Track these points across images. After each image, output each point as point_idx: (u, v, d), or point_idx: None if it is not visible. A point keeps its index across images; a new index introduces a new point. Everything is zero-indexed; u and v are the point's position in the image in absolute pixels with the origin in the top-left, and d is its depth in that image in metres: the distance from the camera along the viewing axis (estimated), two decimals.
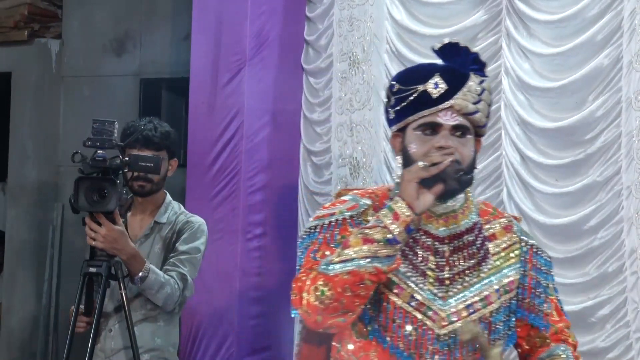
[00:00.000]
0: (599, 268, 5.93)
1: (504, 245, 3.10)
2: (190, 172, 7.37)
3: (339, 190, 3.26)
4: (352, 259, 2.84)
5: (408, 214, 2.86)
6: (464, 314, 3.00)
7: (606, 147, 5.92)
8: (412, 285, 2.99)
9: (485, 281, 3.04)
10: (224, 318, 7.20)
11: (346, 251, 2.86)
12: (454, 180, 2.91)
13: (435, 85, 2.97)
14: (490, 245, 3.08)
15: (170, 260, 5.01)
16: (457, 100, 2.96)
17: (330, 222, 3.01)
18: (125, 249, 4.69)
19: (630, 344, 5.83)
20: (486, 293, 3.04)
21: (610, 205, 5.90)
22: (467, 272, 3.03)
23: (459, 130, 2.98)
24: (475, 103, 2.99)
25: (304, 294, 2.89)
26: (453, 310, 3.00)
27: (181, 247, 5.05)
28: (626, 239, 5.82)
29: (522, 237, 3.14)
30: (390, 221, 2.86)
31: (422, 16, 6.59)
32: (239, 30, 7.31)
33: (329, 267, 2.86)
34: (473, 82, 2.99)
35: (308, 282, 2.89)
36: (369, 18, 6.76)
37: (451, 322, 2.99)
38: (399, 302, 2.98)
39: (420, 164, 2.88)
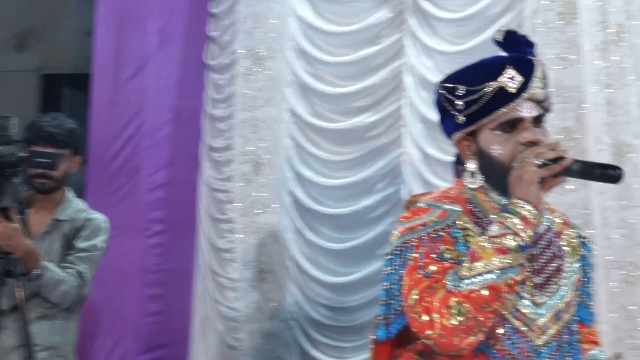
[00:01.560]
0: None
1: (569, 240, 2.91)
2: (91, 169, 7.10)
3: (410, 198, 2.97)
4: (488, 272, 2.56)
5: (536, 216, 2.63)
6: (552, 322, 2.79)
7: None
8: (513, 294, 2.71)
9: (566, 282, 2.84)
10: (121, 315, 6.96)
11: (478, 264, 2.57)
12: (566, 174, 2.68)
13: (512, 79, 2.76)
14: (563, 242, 2.89)
15: (69, 257, 4.89)
16: (533, 90, 2.76)
17: (428, 233, 2.70)
18: (20, 246, 4.56)
19: None
20: (569, 297, 2.84)
21: None
22: (556, 274, 2.82)
23: (538, 120, 2.78)
24: (544, 89, 2.80)
25: (435, 316, 2.57)
26: (545, 319, 2.78)
27: (80, 244, 4.94)
28: None
29: (579, 231, 2.96)
30: (521, 226, 2.59)
31: (327, 13, 6.44)
32: (142, 26, 7.09)
33: (461, 284, 2.57)
34: (538, 67, 2.80)
35: (436, 303, 2.57)
36: (274, 15, 6.58)
37: (545, 331, 2.78)
38: (504, 312, 2.71)
39: (537, 161, 2.63)
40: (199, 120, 7.02)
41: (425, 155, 6.12)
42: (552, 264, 2.77)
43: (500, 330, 2.70)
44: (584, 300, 2.93)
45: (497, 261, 2.55)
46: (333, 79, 6.39)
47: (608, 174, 2.65)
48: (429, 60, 6.12)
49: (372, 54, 6.25)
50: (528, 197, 2.61)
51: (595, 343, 2.99)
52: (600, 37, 5.44)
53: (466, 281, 2.55)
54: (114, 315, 6.97)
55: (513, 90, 2.73)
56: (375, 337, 2.80)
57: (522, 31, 5.56)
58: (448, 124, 2.87)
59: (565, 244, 2.86)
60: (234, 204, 6.66)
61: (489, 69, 2.80)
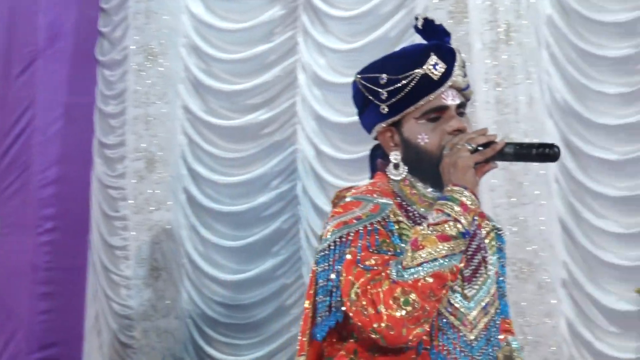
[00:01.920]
0: None
1: (485, 232, 2.78)
2: None
3: (336, 193, 2.78)
4: (432, 260, 2.46)
5: (474, 202, 2.52)
6: (481, 315, 2.69)
7: None
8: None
9: (490, 275, 2.73)
10: (12, 314, 6.81)
11: (421, 253, 2.47)
12: (500, 158, 2.57)
13: (435, 66, 2.64)
14: (482, 235, 2.77)
15: None
16: (456, 77, 2.66)
17: (365, 226, 2.56)
18: None
19: None
20: (493, 289, 2.73)
21: None
22: (482, 266, 2.70)
23: (461, 108, 2.68)
24: (464, 77, 2.70)
25: (381, 308, 2.45)
26: (475, 312, 2.67)
27: None
28: None
29: (493, 223, 2.84)
30: (461, 213, 2.49)
31: (220, 10, 6.38)
32: (31, 21, 6.93)
33: (405, 273, 2.46)
34: (458, 56, 2.70)
35: (382, 295, 2.46)
36: (166, 11, 6.50)
37: (476, 325, 2.67)
38: (440, 307, 2.60)
39: (469, 147, 2.53)
40: (90, 116, 6.89)
41: (318, 152, 6.10)
42: (477, 256, 2.67)
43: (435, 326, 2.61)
44: (502, 292, 2.86)
45: (440, 248, 2.47)
46: (226, 76, 6.34)
47: (545, 153, 2.56)
48: (322, 57, 6.10)
49: (265, 51, 6.22)
50: (465, 183, 2.53)
51: (510, 332, 2.93)
52: (490, 36, 5.48)
53: (411, 270, 2.46)
54: (5, 313, 6.81)
55: (437, 78, 2.63)
56: (310, 335, 2.67)
57: (411, 29, 5.74)
58: (369, 116, 2.75)
59: (484, 235, 2.77)
60: (127, 201, 6.57)
61: (412, 56, 2.68)
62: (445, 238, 2.47)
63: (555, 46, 5.44)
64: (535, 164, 5.01)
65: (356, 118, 5.83)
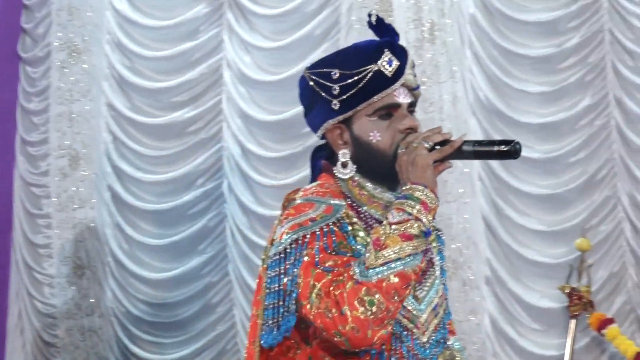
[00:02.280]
0: None
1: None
2: None
3: (286, 196, 2.68)
4: (396, 260, 2.40)
5: (434, 201, 2.46)
6: (432, 316, 2.62)
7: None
8: None
9: (437, 275, 2.66)
10: None
11: (384, 252, 2.40)
12: (459, 156, 2.52)
13: (390, 62, 2.57)
14: None
15: None
16: (408, 75, 2.59)
17: (321, 227, 2.48)
18: None
19: None
20: (441, 290, 2.67)
21: None
22: (430, 267, 2.63)
23: (412, 107, 2.61)
24: (415, 76, 2.63)
25: (345, 309, 2.37)
26: (426, 315, 2.61)
27: None
28: None
29: (433, 224, 2.63)
30: (422, 212, 2.43)
31: (144, 7, 6.28)
32: None
33: (369, 273, 2.39)
34: (409, 55, 2.64)
35: (346, 295, 2.38)
36: (90, 7, 6.38)
37: (428, 327, 2.62)
38: None
39: (426, 145, 2.47)
40: (14, 113, 6.74)
41: (244, 150, 6.04)
42: (425, 257, 2.54)
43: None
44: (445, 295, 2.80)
45: (404, 248, 2.41)
46: (151, 74, 6.25)
47: (504, 150, 2.49)
48: (247, 55, 6.04)
49: (190, 49, 6.14)
50: (425, 181, 2.46)
51: (452, 333, 2.87)
52: (415, 35, 5.48)
53: (375, 270, 2.39)
54: None
55: (390, 75, 2.56)
56: (259, 343, 2.54)
57: (339, 27, 5.73)
58: (318, 113, 2.66)
59: None
60: (51, 199, 6.45)
61: (365, 52, 2.60)
62: (408, 237, 2.42)
63: (478, 45, 5.46)
64: (459, 162, 5.01)
65: (282, 116, 5.89)
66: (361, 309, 2.38)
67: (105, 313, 6.36)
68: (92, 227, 6.38)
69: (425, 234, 2.43)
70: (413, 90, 2.62)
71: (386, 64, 2.56)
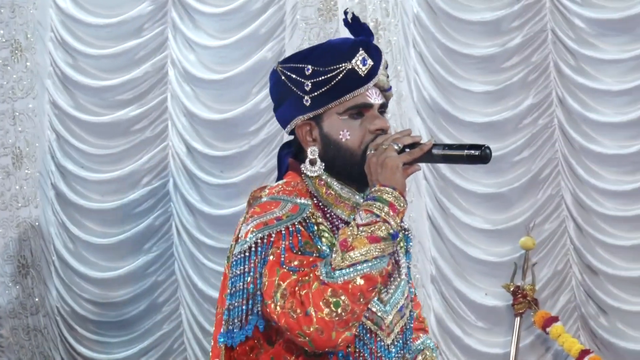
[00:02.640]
0: None
1: None
2: None
3: (252, 193, 2.58)
4: (363, 262, 2.35)
5: (404, 203, 2.42)
6: (397, 318, 2.56)
7: (269, 139, 5.79)
8: None
9: (403, 277, 2.59)
10: None
11: (351, 254, 2.35)
12: (429, 159, 2.47)
13: (364, 62, 2.50)
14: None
15: None
16: (380, 76, 2.53)
17: (287, 227, 2.42)
18: None
19: None
20: (407, 291, 2.60)
21: None
22: (395, 269, 2.56)
23: (383, 108, 2.55)
24: (387, 77, 2.58)
25: (310, 310, 2.32)
26: (391, 316, 2.55)
27: None
28: None
29: (402, 223, 2.56)
30: (390, 214, 2.39)
31: (88, 5, 6.16)
32: None
33: (335, 275, 2.34)
34: (383, 55, 2.58)
35: (311, 296, 2.33)
36: (32, 5, 6.26)
37: (392, 328, 2.55)
38: None
39: (395, 147, 2.41)
40: None
41: (190, 149, 5.97)
42: (392, 259, 2.52)
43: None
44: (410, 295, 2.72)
45: (371, 250, 2.36)
46: (95, 72, 6.14)
47: (474, 154, 2.45)
48: (192, 54, 5.96)
49: (134, 47, 6.04)
50: (394, 183, 2.41)
51: (424, 330, 2.85)
52: None
53: (342, 271, 2.34)
54: None
55: (363, 74, 2.49)
56: (220, 342, 2.47)
57: (283, 26, 5.67)
58: (288, 108, 2.57)
59: None
60: None
61: (340, 49, 2.53)
62: (375, 239, 2.37)
63: (422, 44, 5.42)
64: None
65: (227, 115, 5.81)
66: (326, 310, 2.33)
67: (50, 312, 6.26)
68: (36, 226, 6.28)
69: (393, 236, 2.39)
70: (385, 91, 2.56)
71: (360, 63, 2.49)
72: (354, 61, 2.49)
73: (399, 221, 2.40)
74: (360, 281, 2.35)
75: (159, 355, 6.10)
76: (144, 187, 6.09)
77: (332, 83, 2.49)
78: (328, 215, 2.53)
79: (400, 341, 2.57)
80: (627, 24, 5.06)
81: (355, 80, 2.50)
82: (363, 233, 2.37)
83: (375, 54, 2.53)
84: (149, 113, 6.06)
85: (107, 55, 6.10)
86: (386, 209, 2.38)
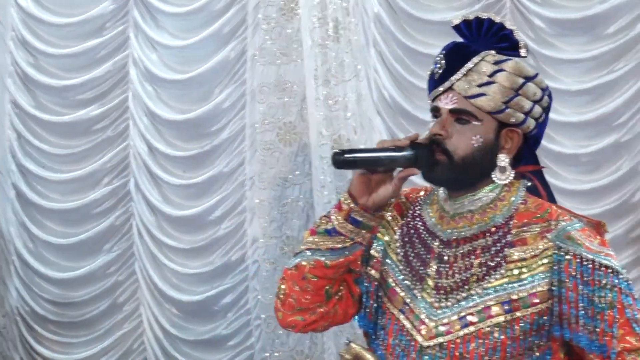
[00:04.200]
0: (223, 257, 5.60)
1: (533, 252, 2.34)
2: None
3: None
4: (300, 252, 2.43)
5: (347, 202, 2.37)
6: (457, 326, 2.34)
7: (232, 139, 5.58)
8: (407, 290, 2.42)
9: (491, 292, 2.33)
10: None
11: (302, 245, 2.46)
12: (425, 168, 2.37)
13: (436, 65, 2.41)
14: (515, 252, 2.35)
15: None
16: (457, 81, 2.38)
17: None
18: None
19: (250, 330, 5.56)
20: (487, 305, 2.33)
21: (235, 196, 5.58)
22: (472, 280, 2.35)
23: (457, 115, 2.38)
24: (482, 85, 2.36)
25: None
26: (445, 321, 2.36)
27: None
28: (248, 228, 5.55)
29: (561, 244, 2.33)
30: (334, 212, 2.39)
31: (49, 4, 5.90)
32: None
33: (289, 261, 2.48)
34: (485, 61, 2.38)
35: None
36: None
37: (439, 335, 2.35)
38: (392, 308, 2.44)
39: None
40: None
41: (151, 149, 5.74)
42: (471, 270, 2.37)
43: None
44: (582, 325, 2.36)
45: (309, 242, 2.42)
46: (56, 71, 5.88)
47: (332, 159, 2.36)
48: (154, 53, 5.72)
49: (95, 46, 5.78)
50: (350, 185, 2.42)
51: None
52: (319, 33, 5.22)
53: (292, 258, 2.46)
54: None
55: (436, 77, 2.42)
56: None
57: (246, 26, 5.45)
58: None
59: (518, 253, 2.37)
60: None
61: (440, 50, 2.47)
62: (312, 232, 2.42)
63: (383, 44, 5.23)
64: None
65: (190, 115, 5.61)
66: (277, 292, 2.50)
67: (9, 312, 6.01)
68: None
69: (328, 232, 2.37)
70: (471, 98, 2.40)
71: (435, 66, 2.47)
72: (432, 64, 2.44)
73: (340, 218, 2.37)
74: (294, 270, 2.44)
75: (119, 355, 5.88)
76: (105, 186, 5.85)
77: (427, 82, 2.47)
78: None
79: (446, 351, 2.34)
80: (586, 23, 4.89)
81: (432, 83, 2.43)
82: (314, 225, 2.46)
83: (456, 58, 2.39)
84: (110, 112, 5.81)
85: (68, 54, 5.84)
86: (335, 207, 2.40)
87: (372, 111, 5.23)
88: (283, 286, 2.47)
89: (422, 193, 2.57)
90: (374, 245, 2.52)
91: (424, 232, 2.45)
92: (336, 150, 2.35)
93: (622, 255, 4.85)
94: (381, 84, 5.22)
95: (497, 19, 2.45)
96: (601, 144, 4.89)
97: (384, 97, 5.23)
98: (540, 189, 2.50)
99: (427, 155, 2.36)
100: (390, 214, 2.54)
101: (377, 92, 5.23)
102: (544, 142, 2.60)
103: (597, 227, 2.45)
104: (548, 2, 4.95)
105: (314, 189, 5.30)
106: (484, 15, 2.46)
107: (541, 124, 2.49)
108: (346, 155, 2.32)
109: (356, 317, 2.57)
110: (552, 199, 2.51)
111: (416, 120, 5.13)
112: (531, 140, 2.48)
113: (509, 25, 2.45)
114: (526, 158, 2.50)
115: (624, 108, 4.85)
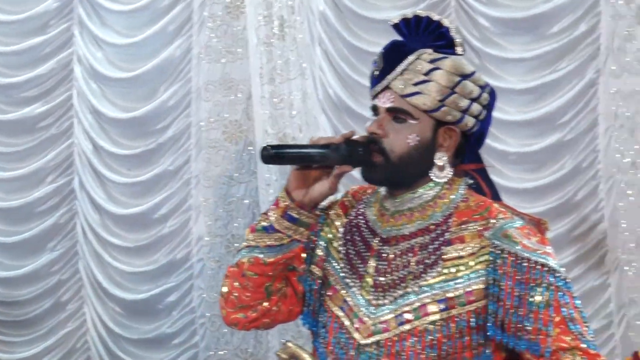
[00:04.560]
0: (168, 255, 5.51)
1: (470, 250, 2.29)
2: None
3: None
4: (241, 249, 2.41)
5: (284, 199, 2.33)
6: (393, 324, 2.28)
7: (177, 137, 5.49)
8: (346, 288, 2.37)
9: (427, 290, 2.28)
10: None
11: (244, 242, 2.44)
12: (359, 165, 2.33)
13: (375, 64, 2.37)
14: (452, 250, 2.30)
15: None
16: (393, 80, 2.33)
17: None
18: None
19: (195, 329, 5.48)
20: (423, 303, 2.28)
21: (180, 194, 5.49)
22: (410, 278, 2.30)
23: (394, 113, 2.34)
24: (418, 83, 2.31)
25: None
26: (382, 319, 2.30)
27: None
28: (194, 226, 5.47)
29: (497, 242, 2.27)
30: (271, 209, 2.36)
31: None
32: None
33: (233, 259, 2.46)
34: (421, 59, 2.33)
35: None
36: None
37: (377, 332, 2.29)
38: (332, 306, 2.39)
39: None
40: None
41: (96, 147, 5.62)
42: (408, 268, 2.32)
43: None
44: (514, 324, 2.28)
45: (248, 239, 2.39)
46: (0, 68, 5.73)
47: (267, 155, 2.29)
48: (99, 51, 5.60)
49: (40, 43, 5.64)
50: (287, 182, 2.38)
51: None
52: (265, 32, 5.15)
53: (235, 256, 2.44)
54: None
55: (375, 76, 2.37)
56: None
57: (191, 23, 5.36)
58: None
59: (455, 251, 2.33)
60: None
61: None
62: (252, 230, 2.39)
63: (328, 42, 5.17)
64: None
65: (135, 113, 5.51)
66: (221, 289, 2.46)
67: None
68: None
69: (266, 229, 2.34)
70: (407, 96, 2.35)
71: (374, 65, 2.42)
72: (372, 63, 2.41)
73: (277, 215, 2.34)
74: (234, 267, 2.41)
75: (63, 354, 5.76)
76: (49, 184, 5.72)
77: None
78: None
79: (383, 348, 2.29)
80: (530, 23, 4.87)
81: (371, 82, 2.39)
82: (254, 222, 2.48)
83: (393, 57, 2.35)
84: (55, 110, 5.68)
85: (12, 52, 5.69)
86: (273, 205, 2.36)
87: (317, 109, 5.17)
88: (226, 284, 2.43)
89: (369, 191, 2.53)
90: (318, 243, 2.48)
91: (366, 230, 2.41)
92: (264, 145, 2.30)
93: (564, 253, 4.83)
94: (326, 82, 5.16)
95: (435, 17, 2.40)
96: (545, 143, 4.88)
97: (329, 95, 5.17)
98: (484, 187, 2.46)
99: (362, 152, 2.32)
100: (334, 212, 2.50)
101: (322, 90, 5.18)
102: (488, 140, 2.54)
103: (538, 225, 2.40)
104: (492, 1, 4.93)
105: (259, 187, 5.24)
106: (423, 14, 2.41)
107: (483, 122, 2.44)
108: (273, 151, 2.26)
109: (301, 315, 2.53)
110: (496, 197, 2.46)
111: (361, 118, 5.06)
112: (473, 139, 2.44)
113: (446, 23, 2.40)
114: (469, 156, 2.45)
115: (567, 107, 4.84)
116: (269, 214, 2.35)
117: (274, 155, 2.26)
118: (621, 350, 4.80)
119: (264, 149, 2.26)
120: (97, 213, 5.66)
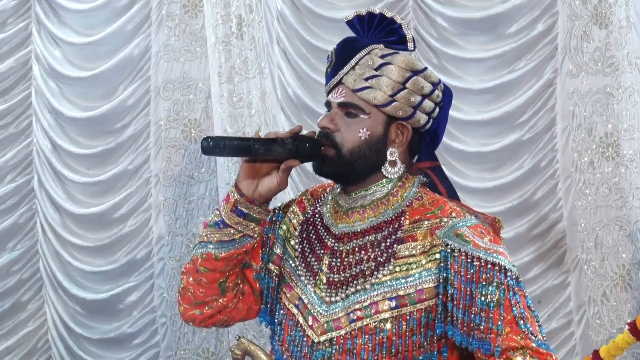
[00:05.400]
0: (128, 255, 5.36)
1: (422, 249, 2.21)
2: None
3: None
4: (195, 245, 2.35)
5: (235, 194, 2.26)
6: (345, 321, 2.23)
7: (136, 136, 5.34)
8: (301, 286, 2.32)
9: (379, 287, 2.21)
10: None
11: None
12: (306, 160, 2.25)
13: (328, 60, 2.34)
14: (404, 248, 2.23)
15: None
16: (345, 75, 2.29)
17: None
18: None
19: (156, 328, 5.34)
20: (374, 301, 2.21)
21: (140, 193, 5.35)
22: (362, 276, 2.24)
23: (345, 108, 2.28)
24: (368, 78, 2.25)
25: None
26: (335, 317, 2.24)
27: None
28: (154, 225, 5.33)
29: (449, 241, 2.19)
30: (222, 204, 2.29)
31: None
32: None
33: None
34: (372, 54, 2.28)
35: None
36: None
37: (329, 330, 2.24)
38: (288, 303, 2.34)
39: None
40: None
41: (55, 146, 5.44)
42: (360, 266, 2.26)
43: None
44: (465, 323, 2.21)
45: (202, 234, 2.32)
46: None
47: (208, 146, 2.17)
48: (57, 50, 5.42)
49: None
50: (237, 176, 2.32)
51: None
52: (223, 30, 4.98)
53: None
54: None
55: (328, 72, 2.34)
56: None
57: (150, 22, 5.17)
58: None
59: (407, 249, 2.25)
60: None
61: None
62: (205, 225, 2.33)
63: (286, 41, 5.01)
64: None
65: (94, 112, 5.33)
66: (179, 286, 2.41)
67: None
68: None
69: (217, 224, 2.28)
70: (358, 91, 2.29)
71: (327, 61, 2.38)
72: (326, 59, 2.36)
73: (228, 209, 2.27)
74: (190, 264, 2.35)
75: (24, 354, 5.57)
76: (8, 184, 5.52)
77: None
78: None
79: (336, 346, 2.24)
80: (488, 23, 4.77)
81: (326, 78, 2.36)
82: (207, 218, 2.44)
83: (345, 52, 2.31)
84: (13, 109, 5.49)
85: None
86: (224, 200, 2.31)
87: (276, 108, 5.04)
88: (182, 280, 2.38)
89: (328, 190, 2.45)
90: (276, 241, 2.41)
91: (321, 228, 2.35)
92: (205, 136, 2.19)
93: (524, 252, 4.72)
94: (285, 81, 5.02)
95: (389, 14, 2.32)
96: (503, 142, 4.77)
97: (288, 94, 5.03)
98: (439, 185, 2.37)
99: (309, 147, 2.24)
100: (292, 210, 2.44)
101: (281, 89, 5.04)
102: (446, 139, 2.41)
103: (492, 224, 2.33)
104: (450, 1, 4.83)
105: (219, 186, 5.11)
106: (376, 11, 2.32)
107: (437, 121, 2.36)
108: (211, 142, 2.14)
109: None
110: (453, 196, 2.37)
111: (319, 117, 4.91)
112: (428, 137, 2.36)
113: (399, 20, 2.30)
114: (424, 155, 2.37)
115: (525, 107, 4.74)
116: (220, 208, 2.29)
117: (212, 146, 2.14)
118: (581, 349, 4.69)
119: (204, 139, 2.14)
120: (57, 212, 5.48)
